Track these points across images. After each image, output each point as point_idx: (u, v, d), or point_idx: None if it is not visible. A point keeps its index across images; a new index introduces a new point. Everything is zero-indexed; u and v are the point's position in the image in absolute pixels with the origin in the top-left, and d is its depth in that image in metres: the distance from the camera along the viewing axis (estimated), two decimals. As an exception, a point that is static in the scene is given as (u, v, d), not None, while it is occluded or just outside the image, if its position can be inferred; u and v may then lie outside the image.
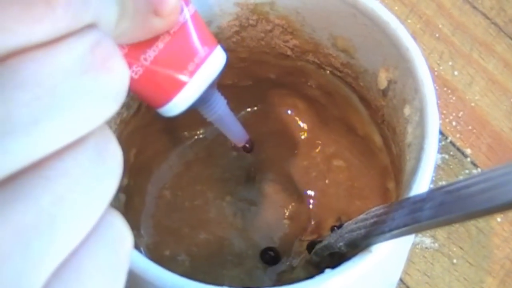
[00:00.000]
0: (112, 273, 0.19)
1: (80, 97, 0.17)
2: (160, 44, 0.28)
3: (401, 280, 0.50)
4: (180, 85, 0.29)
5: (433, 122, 0.33)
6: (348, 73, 0.40)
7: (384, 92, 0.38)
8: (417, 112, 0.34)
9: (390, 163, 0.41)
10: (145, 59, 0.27)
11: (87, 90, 0.17)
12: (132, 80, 0.27)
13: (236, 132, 0.35)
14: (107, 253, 0.19)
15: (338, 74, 0.41)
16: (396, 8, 0.60)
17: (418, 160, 0.32)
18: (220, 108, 0.33)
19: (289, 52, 0.42)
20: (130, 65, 0.27)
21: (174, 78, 0.28)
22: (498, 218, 0.52)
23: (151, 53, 0.27)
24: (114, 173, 0.18)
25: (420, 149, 0.33)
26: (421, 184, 0.31)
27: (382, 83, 0.37)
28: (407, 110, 0.35)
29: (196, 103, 0.30)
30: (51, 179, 0.16)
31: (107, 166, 0.18)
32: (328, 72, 0.42)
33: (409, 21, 0.60)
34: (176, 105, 0.29)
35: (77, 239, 0.17)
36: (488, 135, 0.55)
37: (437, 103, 0.34)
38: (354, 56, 0.39)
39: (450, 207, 0.26)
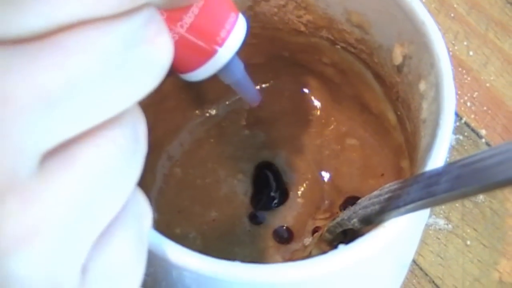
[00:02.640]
0: (139, 246, 0.19)
1: (130, 70, 0.17)
2: (195, 10, 0.28)
3: (414, 261, 0.49)
4: (212, 52, 0.29)
5: (449, 98, 0.32)
6: (362, 49, 0.40)
7: (399, 68, 0.37)
8: (432, 87, 0.33)
9: (404, 141, 0.40)
10: (181, 26, 0.28)
11: (137, 64, 0.17)
12: None
13: (251, 93, 0.36)
14: (136, 227, 0.19)
15: (352, 50, 0.41)
16: (411, -13, 0.59)
17: (433, 136, 0.32)
18: (239, 72, 0.33)
19: (302, 28, 0.41)
20: None
21: (208, 45, 0.29)
22: (513, 199, 0.52)
23: (187, 20, 0.28)
24: (144, 150, 0.19)
25: (436, 125, 0.32)
26: (436, 160, 0.31)
27: (397, 58, 0.37)
28: (422, 86, 0.35)
29: (220, 69, 0.30)
30: (101, 146, 0.17)
31: (140, 141, 0.19)
32: (342, 48, 0.41)
33: (423, 0, 0.59)
34: (204, 71, 0.30)
35: (115, 210, 0.18)
36: (503, 116, 0.54)
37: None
38: (369, 31, 0.38)
39: (466, 180, 0.25)
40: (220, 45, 0.29)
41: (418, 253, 0.49)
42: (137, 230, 0.19)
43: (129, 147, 0.18)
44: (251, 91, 0.36)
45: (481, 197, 0.51)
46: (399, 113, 0.40)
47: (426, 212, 0.34)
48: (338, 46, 0.41)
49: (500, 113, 0.55)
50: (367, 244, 0.29)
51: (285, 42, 0.42)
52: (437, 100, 0.33)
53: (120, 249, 0.18)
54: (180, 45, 0.28)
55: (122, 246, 0.19)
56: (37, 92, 0.15)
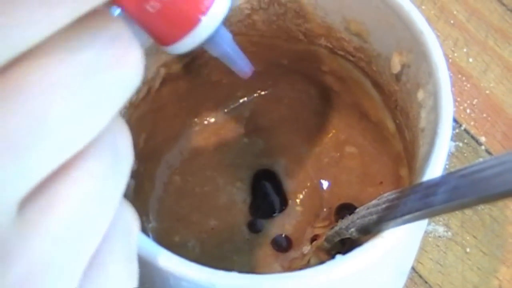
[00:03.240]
0: (129, 264, 0.19)
1: (98, 96, 0.16)
2: None
3: (413, 268, 0.49)
4: (195, 21, 0.28)
5: (447, 107, 0.32)
6: (361, 58, 0.40)
7: (398, 77, 0.37)
8: (431, 96, 0.33)
9: (403, 149, 0.40)
10: None
11: (104, 89, 0.16)
12: (147, 14, 0.27)
13: (242, 65, 0.34)
14: (124, 246, 0.19)
15: (351, 58, 0.41)
16: (411, -6, 0.59)
17: (431, 145, 0.32)
18: (227, 44, 0.32)
19: (301, 36, 0.41)
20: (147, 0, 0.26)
21: (190, 14, 0.28)
22: (513, 207, 0.51)
23: None
24: (128, 160, 0.18)
25: (434, 134, 0.32)
26: (435, 169, 0.31)
27: (396, 67, 0.37)
28: (420, 95, 0.35)
29: (206, 40, 0.29)
30: (78, 180, 0.16)
31: (123, 154, 0.18)
32: (341, 57, 0.41)
33: (423, 7, 0.59)
34: (188, 43, 0.29)
35: (101, 234, 0.17)
36: (503, 123, 0.54)
37: (452, 89, 0.34)
38: (367, 40, 0.38)
39: (464, 191, 0.25)
40: (204, 13, 0.28)
41: (418, 260, 0.49)
42: (126, 249, 0.19)
43: (109, 170, 0.17)
44: (241, 62, 0.34)
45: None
46: (397, 121, 0.40)
47: (424, 221, 0.34)
48: (337, 55, 0.41)
49: (500, 120, 0.54)
50: (365, 253, 0.29)
51: (284, 50, 0.42)
52: (435, 109, 0.33)
53: (111, 273, 0.18)
54: (163, 14, 0.27)
55: (112, 269, 0.18)
56: (2, 141, 0.14)
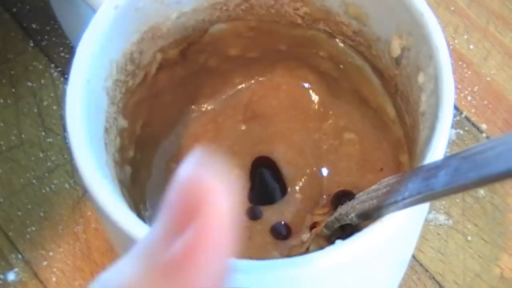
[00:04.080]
0: None
1: None
2: None
3: (414, 257, 0.49)
4: None
5: (448, 90, 0.32)
6: (360, 42, 0.39)
7: (398, 60, 0.37)
8: (431, 79, 0.33)
9: (404, 135, 0.40)
10: None
11: None
12: None
13: None
14: None
15: (350, 43, 0.40)
16: (410, -20, 0.59)
17: (432, 129, 0.31)
18: None
19: (299, 21, 0.40)
20: None
21: None
22: (515, 194, 0.51)
23: None
24: None
25: (435, 118, 0.31)
26: (435, 153, 0.30)
27: (396, 50, 0.36)
28: (421, 78, 0.34)
29: None
30: None
31: None
32: (340, 41, 0.41)
33: (423, -6, 0.58)
34: None
35: None
36: (504, 110, 0.54)
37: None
38: (367, 23, 0.38)
39: (465, 173, 0.25)
40: None
41: (418, 249, 0.49)
42: None
43: None
44: None
45: (482, 192, 0.51)
46: (398, 106, 0.39)
47: (425, 207, 0.34)
48: (336, 39, 0.41)
49: (501, 107, 0.54)
50: (365, 239, 0.28)
51: (282, 35, 0.42)
52: (436, 92, 0.32)
53: None
54: None
55: None
56: None
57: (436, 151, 0.30)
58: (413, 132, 0.36)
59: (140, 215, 0.39)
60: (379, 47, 0.38)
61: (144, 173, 0.42)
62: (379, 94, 0.41)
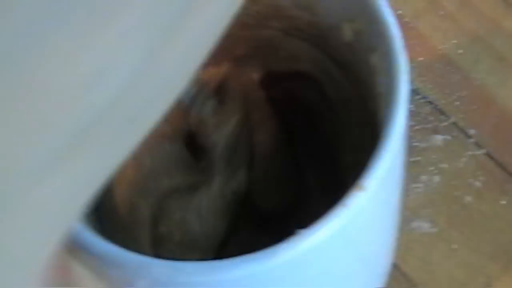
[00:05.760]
0: None
1: None
2: None
3: (396, 266, 0.47)
4: None
5: (401, 66, 0.30)
6: (315, 34, 0.38)
7: (352, 46, 0.35)
8: (384, 57, 0.31)
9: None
10: None
11: None
12: None
13: None
14: None
15: (306, 37, 0.39)
16: (400, -13, 0.58)
17: (388, 108, 0.30)
18: None
19: (252, 21, 0.39)
20: None
21: None
22: (503, 201, 0.49)
23: None
24: None
25: (390, 95, 0.30)
26: (395, 132, 0.29)
27: (348, 35, 0.35)
28: (374, 59, 0.33)
29: None
30: None
31: None
32: (296, 37, 0.39)
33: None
34: None
35: None
36: (494, 115, 0.52)
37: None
38: (317, 12, 0.36)
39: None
40: None
41: (401, 258, 0.47)
42: None
43: None
44: None
45: (469, 198, 0.49)
46: (360, 95, 0.38)
47: (390, 186, 0.32)
48: (293, 36, 0.39)
49: (491, 112, 0.52)
50: (328, 225, 0.27)
51: (236, 38, 0.41)
52: (389, 70, 0.31)
53: None
54: None
55: None
56: None
57: (394, 129, 0.29)
58: (375, 116, 0.35)
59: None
60: (333, 36, 0.37)
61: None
62: (344, 88, 0.40)
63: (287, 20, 0.39)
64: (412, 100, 0.52)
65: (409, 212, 0.49)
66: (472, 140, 0.51)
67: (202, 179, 0.40)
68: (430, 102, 0.52)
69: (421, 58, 0.54)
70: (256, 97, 0.43)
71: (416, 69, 0.54)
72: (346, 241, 0.30)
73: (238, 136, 0.42)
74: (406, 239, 0.48)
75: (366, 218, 0.30)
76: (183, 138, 0.41)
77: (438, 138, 0.51)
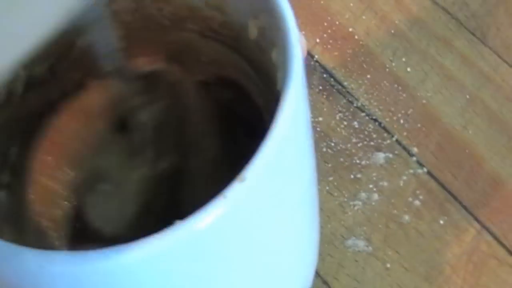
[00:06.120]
0: None
1: None
2: None
3: (327, 284, 0.46)
4: None
5: (294, 59, 0.29)
6: (229, 35, 0.37)
7: (258, 43, 0.35)
8: (281, 52, 0.31)
9: None
10: None
11: None
12: None
13: None
14: None
15: (222, 39, 0.38)
16: (352, 4, 0.57)
17: (279, 101, 0.29)
18: None
19: (167, 23, 0.39)
20: None
21: None
22: (441, 220, 0.48)
23: None
24: None
25: (283, 90, 0.30)
26: (277, 126, 0.28)
27: (253, 32, 0.34)
28: (274, 54, 0.32)
29: None
30: None
31: None
32: (212, 39, 0.39)
33: (363, 17, 0.56)
34: None
35: None
36: (438, 133, 0.51)
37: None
38: (227, 11, 0.36)
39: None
40: None
41: (333, 276, 0.46)
42: None
43: None
44: None
45: (407, 217, 0.48)
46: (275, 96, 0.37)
47: (288, 184, 0.31)
48: (209, 38, 0.39)
49: (435, 130, 0.51)
50: (204, 216, 0.26)
51: (155, 42, 0.40)
52: (284, 63, 0.30)
53: None
54: None
55: None
56: None
57: (279, 122, 0.28)
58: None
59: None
60: (245, 36, 0.36)
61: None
62: (263, 91, 0.39)
63: (201, 21, 0.38)
64: (356, 117, 0.52)
65: (344, 229, 0.48)
66: (414, 158, 0.50)
67: (129, 159, 0.40)
68: (375, 120, 0.52)
69: (368, 76, 0.53)
70: (189, 91, 0.43)
71: (363, 86, 0.53)
72: (227, 234, 0.28)
73: (167, 121, 0.41)
74: (340, 257, 0.47)
75: (249, 210, 0.29)
76: (109, 118, 0.41)
77: (380, 156, 0.50)
